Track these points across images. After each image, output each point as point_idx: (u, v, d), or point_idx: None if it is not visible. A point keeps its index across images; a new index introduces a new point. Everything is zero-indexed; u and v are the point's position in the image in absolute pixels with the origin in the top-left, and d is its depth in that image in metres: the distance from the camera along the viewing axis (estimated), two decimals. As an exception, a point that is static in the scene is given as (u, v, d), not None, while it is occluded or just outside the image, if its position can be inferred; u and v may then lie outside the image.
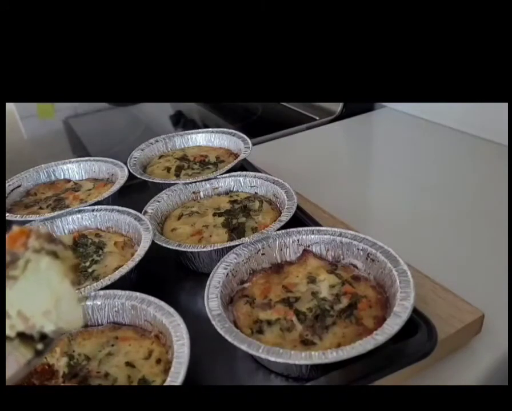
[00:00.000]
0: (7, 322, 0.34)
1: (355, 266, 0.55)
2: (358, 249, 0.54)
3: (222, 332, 0.45)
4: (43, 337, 0.34)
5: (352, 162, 0.97)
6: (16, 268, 0.33)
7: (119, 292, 0.51)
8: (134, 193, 0.76)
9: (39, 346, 0.34)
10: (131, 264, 0.55)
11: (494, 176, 0.84)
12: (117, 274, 0.53)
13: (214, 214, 0.65)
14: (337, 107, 1.16)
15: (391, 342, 0.43)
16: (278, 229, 0.58)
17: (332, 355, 0.41)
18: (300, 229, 0.58)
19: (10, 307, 0.33)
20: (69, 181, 0.80)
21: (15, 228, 0.35)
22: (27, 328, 0.34)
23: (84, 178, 0.81)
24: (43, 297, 0.34)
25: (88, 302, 0.51)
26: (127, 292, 0.50)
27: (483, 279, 0.61)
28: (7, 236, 0.34)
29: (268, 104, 1.30)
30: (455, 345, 0.50)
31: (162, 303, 0.48)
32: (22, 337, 0.34)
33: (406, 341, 0.44)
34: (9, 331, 0.34)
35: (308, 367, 0.44)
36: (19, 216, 0.67)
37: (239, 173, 0.73)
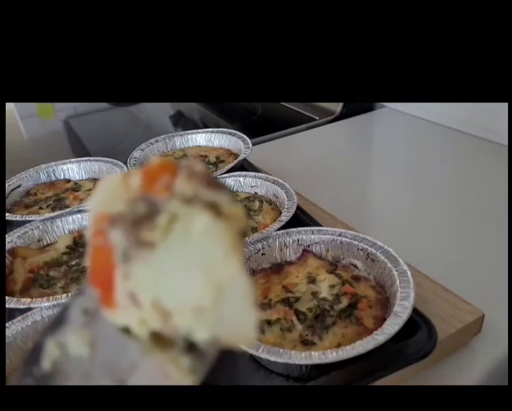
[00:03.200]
0: (135, 314, 0.21)
1: (355, 266, 0.55)
2: (358, 249, 0.54)
3: (222, 332, 0.45)
4: (191, 347, 0.22)
5: (352, 162, 0.97)
6: (154, 226, 0.20)
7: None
8: (134, 193, 0.76)
9: (183, 362, 0.22)
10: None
11: (494, 176, 0.84)
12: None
13: (214, 214, 0.65)
14: (337, 107, 1.16)
15: (391, 342, 0.43)
16: (278, 229, 0.58)
17: (332, 355, 0.41)
18: (300, 229, 0.58)
19: (143, 292, 0.21)
20: (69, 181, 0.80)
21: (155, 159, 0.22)
22: (166, 328, 0.22)
23: (84, 178, 0.81)
24: (194, 282, 0.20)
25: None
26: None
27: (483, 279, 0.60)
28: (140, 173, 0.22)
29: (268, 104, 1.30)
30: (455, 345, 0.50)
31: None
32: (157, 339, 0.22)
33: (406, 341, 0.44)
34: (138, 328, 0.22)
35: (308, 367, 0.44)
36: (19, 216, 0.67)
37: (239, 173, 0.73)
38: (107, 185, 0.22)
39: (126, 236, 0.21)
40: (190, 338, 0.22)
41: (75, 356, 0.24)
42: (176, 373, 0.23)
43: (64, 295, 0.51)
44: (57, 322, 0.24)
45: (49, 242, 0.65)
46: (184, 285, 0.20)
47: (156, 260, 0.20)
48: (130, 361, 0.23)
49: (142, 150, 0.83)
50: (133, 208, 0.21)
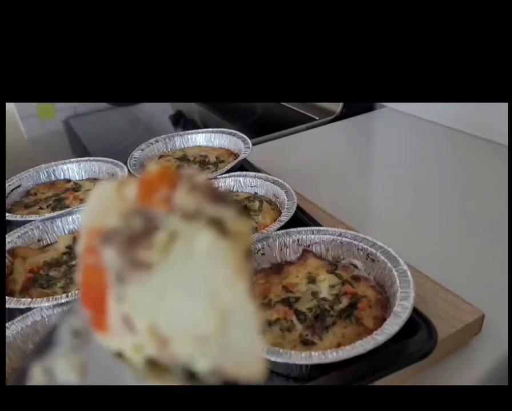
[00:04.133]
0: (130, 338, 0.20)
1: (355, 266, 0.54)
2: (358, 249, 0.54)
3: (222, 332, 0.45)
4: (190, 377, 0.20)
5: (352, 162, 0.97)
6: (152, 245, 0.18)
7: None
8: (134, 193, 0.76)
9: None
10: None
11: (494, 176, 0.84)
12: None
13: (214, 214, 0.65)
14: (337, 107, 1.16)
15: (391, 342, 0.43)
16: (278, 229, 0.58)
17: (332, 355, 0.41)
18: (300, 229, 0.58)
19: (138, 316, 0.19)
20: (69, 181, 0.80)
21: (153, 167, 0.20)
22: (164, 355, 0.20)
23: (84, 178, 0.81)
24: (196, 307, 0.19)
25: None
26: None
27: (483, 279, 0.60)
28: (137, 183, 0.20)
29: (268, 104, 1.30)
30: (455, 345, 0.50)
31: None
32: (153, 366, 0.20)
33: (406, 341, 0.44)
34: (132, 354, 0.20)
35: (308, 367, 0.44)
36: (19, 216, 0.67)
37: (239, 173, 0.73)
38: (100, 196, 0.21)
39: (120, 255, 0.19)
40: (189, 367, 0.20)
41: (63, 383, 0.22)
42: None
43: (64, 295, 0.51)
44: (44, 344, 0.22)
45: (49, 242, 0.65)
46: (185, 310, 0.19)
47: (154, 283, 0.19)
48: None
49: (142, 150, 0.83)
50: (128, 223, 0.19)
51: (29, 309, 0.49)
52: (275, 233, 0.58)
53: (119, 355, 0.21)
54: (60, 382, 0.21)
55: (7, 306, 0.50)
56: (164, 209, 0.19)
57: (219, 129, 0.88)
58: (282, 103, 1.28)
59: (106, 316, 0.20)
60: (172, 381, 0.20)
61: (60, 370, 0.22)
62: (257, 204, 0.66)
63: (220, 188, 0.20)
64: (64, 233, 0.66)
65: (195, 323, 0.19)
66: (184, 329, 0.19)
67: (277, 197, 0.68)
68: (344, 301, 0.50)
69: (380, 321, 0.46)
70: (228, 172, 0.73)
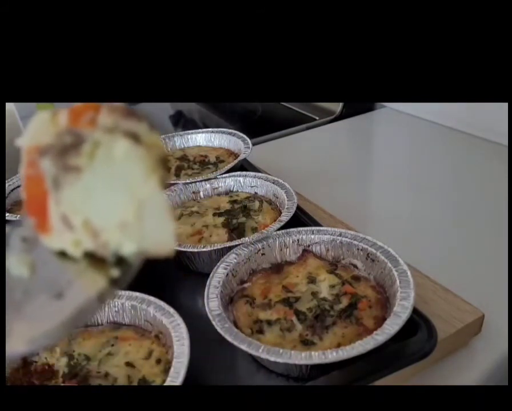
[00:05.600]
0: (69, 236, 0.24)
1: (355, 266, 0.55)
2: (358, 249, 0.54)
3: (221, 332, 0.45)
4: (120, 261, 0.25)
5: (352, 162, 0.97)
6: (79, 154, 0.22)
7: (119, 292, 0.51)
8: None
9: (115, 273, 0.25)
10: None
11: (494, 176, 0.84)
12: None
13: (214, 214, 0.65)
14: (337, 107, 1.16)
15: (391, 342, 0.43)
16: (278, 229, 0.58)
17: (332, 355, 0.41)
18: (300, 229, 0.58)
19: (74, 214, 0.24)
20: (69, 181, 0.80)
21: (79, 104, 0.24)
22: (98, 246, 0.24)
23: (84, 178, 0.81)
24: (118, 201, 0.23)
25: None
26: (127, 292, 0.50)
27: (483, 279, 0.60)
28: (67, 111, 0.24)
29: (268, 104, 1.30)
30: (455, 345, 0.50)
31: (162, 303, 0.48)
32: (91, 258, 0.25)
33: (406, 341, 0.44)
34: (72, 249, 0.24)
35: (308, 367, 0.44)
36: (19, 216, 0.67)
37: (239, 173, 0.73)
38: (37, 121, 0.25)
39: (55, 163, 0.23)
40: (118, 253, 0.24)
41: (16, 276, 0.26)
42: (104, 282, 0.25)
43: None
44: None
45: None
46: (109, 204, 0.23)
47: (84, 184, 0.23)
48: (67, 279, 0.25)
49: (142, 150, 0.83)
50: (60, 140, 0.23)
51: None
52: (275, 233, 0.58)
53: (62, 253, 0.25)
54: (13, 275, 0.26)
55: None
56: (89, 128, 0.23)
57: (219, 129, 0.88)
58: (282, 103, 1.28)
59: (48, 220, 0.24)
60: (107, 268, 0.24)
61: (13, 266, 0.26)
62: (257, 204, 0.66)
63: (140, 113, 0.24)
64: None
65: (119, 214, 0.23)
66: (110, 220, 0.23)
67: (277, 197, 0.68)
68: (344, 301, 0.50)
69: (380, 321, 0.46)
70: (228, 172, 0.73)
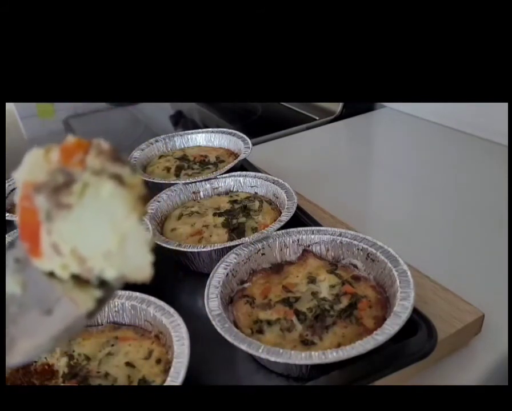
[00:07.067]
0: (58, 260, 0.27)
1: (355, 266, 0.55)
2: (358, 249, 0.54)
3: (221, 332, 0.45)
4: (103, 283, 0.28)
5: (352, 162, 0.97)
6: (71, 193, 0.26)
7: (119, 292, 0.51)
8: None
9: (97, 294, 0.28)
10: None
11: (494, 176, 0.84)
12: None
13: (214, 214, 0.65)
14: (337, 107, 1.16)
15: (391, 342, 0.43)
16: (278, 229, 0.58)
17: (332, 355, 0.41)
18: (300, 229, 0.58)
19: (63, 243, 0.27)
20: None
21: (70, 138, 0.27)
22: (84, 271, 0.27)
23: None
24: (103, 233, 0.26)
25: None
26: (127, 292, 0.50)
27: (483, 279, 0.60)
28: (59, 148, 0.27)
29: (268, 104, 1.30)
30: (455, 345, 0.50)
31: (162, 303, 0.48)
32: (77, 279, 0.28)
33: (406, 341, 0.44)
34: (60, 272, 0.28)
35: (308, 367, 0.44)
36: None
37: (239, 173, 0.73)
38: (32, 157, 0.28)
39: (48, 199, 0.26)
40: (101, 277, 0.28)
41: (10, 294, 0.29)
42: (87, 302, 0.28)
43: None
44: None
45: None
46: (96, 235, 0.26)
47: (73, 218, 0.26)
48: (56, 297, 0.28)
49: (142, 150, 0.83)
50: (53, 178, 0.26)
51: None
52: (275, 233, 0.58)
53: (51, 274, 0.28)
54: (7, 293, 0.29)
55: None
56: (79, 168, 0.26)
57: (219, 129, 0.88)
58: (282, 103, 1.28)
59: (39, 246, 0.28)
60: (90, 288, 0.28)
61: (7, 285, 0.29)
62: (257, 204, 0.66)
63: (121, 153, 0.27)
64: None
65: (103, 244, 0.27)
66: (96, 249, 0.27)
67: (277, 197, 0.68)
68: (344, 301, 0.50)
69: (380, 321, 0.46)
70: (228, 172, 0.73)
